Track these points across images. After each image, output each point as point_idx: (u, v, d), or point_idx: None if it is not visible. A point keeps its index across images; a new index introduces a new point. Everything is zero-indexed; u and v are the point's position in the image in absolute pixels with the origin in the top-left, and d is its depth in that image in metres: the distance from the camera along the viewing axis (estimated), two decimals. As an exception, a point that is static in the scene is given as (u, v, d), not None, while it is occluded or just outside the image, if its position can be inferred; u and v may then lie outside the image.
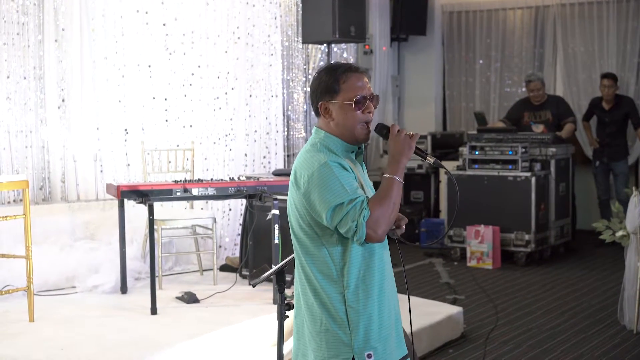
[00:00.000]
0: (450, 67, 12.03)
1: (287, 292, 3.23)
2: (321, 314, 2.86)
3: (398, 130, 2.90)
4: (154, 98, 7.39)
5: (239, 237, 7.22)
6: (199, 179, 6.23)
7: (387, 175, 2.83)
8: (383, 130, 2.97)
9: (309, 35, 7.89)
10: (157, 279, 5.97)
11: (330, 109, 2.90)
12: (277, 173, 6.73)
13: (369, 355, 2.84)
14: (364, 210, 2.72)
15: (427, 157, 2.96)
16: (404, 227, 3.08)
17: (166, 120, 7.44)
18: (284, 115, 8.88)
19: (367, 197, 2.80)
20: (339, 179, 2.76)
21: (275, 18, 8.10)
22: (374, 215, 2.73)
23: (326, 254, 2.84)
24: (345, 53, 10.56)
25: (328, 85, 2.90)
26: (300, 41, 8.91)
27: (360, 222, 2.71)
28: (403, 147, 2.86)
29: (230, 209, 7.70)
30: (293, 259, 3.14)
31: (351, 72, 2.91)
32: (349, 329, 2.83)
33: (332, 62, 2.99)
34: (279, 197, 5.89)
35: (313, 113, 3.02)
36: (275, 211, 5.85)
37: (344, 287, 2.83)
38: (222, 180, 6.24)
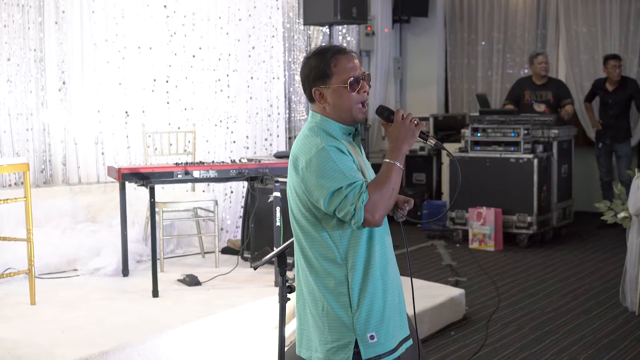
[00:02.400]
0: (453, 49, 11.99)
1: (289, 274, 3.23)
2: (323, 298, 2.86)
3: (403, 117, 2.87)
4: (154, 80, 7.37)
5: (241, 220, 7.22)
6: (201, 162, 6.21)
7: (387, 160, 2.81)
8: (385, 112, 2.94)
9: (311, 17, 7.85)
10: (158, 262, 5.98)
11: (324, 94, 2.88)
12: (278, 155, 6.71)
13: (372, 337, 2.84)
14: (362, 194, 2.70)
15: (429, 140, 2.93)
16: (407, 209, 3.06)
17: (167, 103, 7.41)
18: (285, 97, 8.85)
19: (365, 180, 2.78)
20: (336, 163, 2.74)
21: (277, -1, 8.07)
22: (372, 199, 2.71)
23: (328, 238, 2.83)
24: (347, 35, 10.52)
25: (319, 70, 2.87)
26: (302, 23, 8.87)
27: (358, 205, 2.70)
28: (406, 134, 2.84)
29: (231, 192, 7.69)
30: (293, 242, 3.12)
31: (340, 54, 2.89)
32: (352, 312, 2.83)
33: (317, 46, 2.96)
34: (280, 179, 5.88)
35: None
36: (277, 193, 5.84)
37: (347, 270, 2.83)
38: (223, 162, 6.22)
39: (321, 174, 2.75)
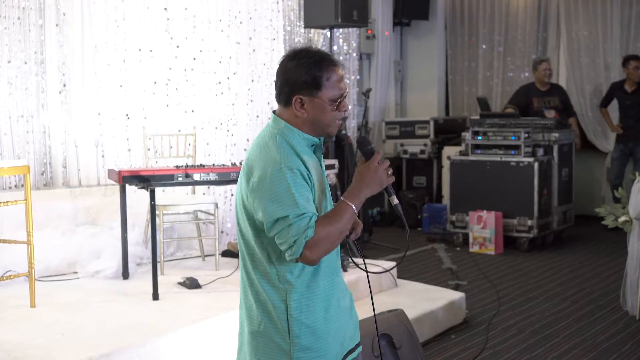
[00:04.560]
0: (453, 52, 11.99)
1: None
2: (260, 317, 2.69)
3: (378, 162, 2.68)
4: (155, 83, 7.35)
5: (241, 223, 7.20)
6: (201, 164, 6.21)
7: (343, 200, 2.63)
8: (365, 147, 2.77)
9: (311, 20, 7.85)
10: (158, 265, 5.97)
11: (306, 103, 2.67)
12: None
13: None
14: (308, 229, 2.51)
15: (392, 198, 2.77)
16: (359, 232, 2.88)
17: (167, 105, 7.40)
18: (286, 100, 8.84)
19: (315, 214, 2.57)
20: (290, 188, 2.54)
21: (277, 2, 8.05)
22: (317, 237, 2.52)
23: (267, 258, 2.65)
24: (347, 38, 10.52)
25: (311, 78, 2.65)
26: (303, 26, 8.87)
27: (300, 240, 2.50)
28: (374, 182, 2.66)
29: (232, 194, 7.68)
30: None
31: (332, 67, 2.69)
32: (289, 339, 2.65)
33: (302, 48, 2.72)
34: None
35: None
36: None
37: (287, 296, 2.65)
38: (224, 165, 6.21)
39: (272, 196, 2.55)
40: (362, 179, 2.67)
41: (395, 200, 2.76)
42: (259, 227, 2.64)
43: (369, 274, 2.89)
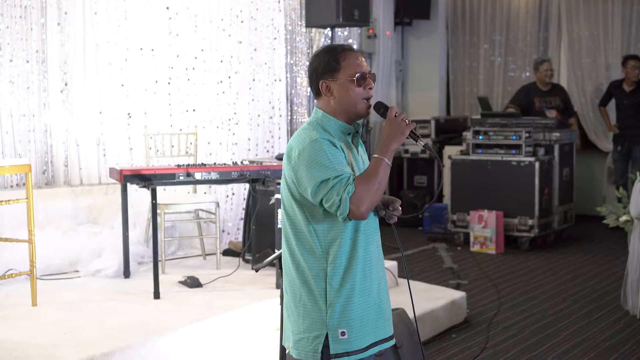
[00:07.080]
0: (454, 52, 11.99)
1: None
2: (301, 289, 2.93)
3: (395, 115, 2.93)
4: (156, 82, 7.36)
5: (242, 222, 7.22)
6: (202, 163, 6.21)
7: (375, 156, 2.87)
8: (381, 109, 3.01)
9: (313, 19, 7.85)
10: (160, 264, 5.97)
11: (331, 87, 2.96)
12: (280, 157, 6.71)
13: (343, 333, 2.89)
14: (349, 186, 2.77)
15: (419, 140, 3.00)
16: (399, 209, 3.08)
17: (169, 104, 7.41)
18: (287, 99, 8.85)
19: (353, 174, 2.84)
20: (327, 155, 2.82)
21: (279, 1, 8.06)
22: (358, 192, 2.76)
23: (312, 230, 2.90)
24: (349, 37, 10.52)
25: (329, 64, 2.96)
26: (304, 25, 8.87)
27: (344, 197, 2.76)
28: (396, 132, 2.89)
29: (233, 194, 7.69)
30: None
31: (349, 51, 2.99)
32: (326, 306, 2.89)
33: (323, 45, 3.04)
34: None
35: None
36: (278, 195, 5.83)
37: (327, 264, 2.89)
38: (225, 164, 6.22)
39: (312, 163, 2.82)
40: (385, 134, 2.92)
41: (422, 142, 2.99)
42: (303, 201, 2.89)
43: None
